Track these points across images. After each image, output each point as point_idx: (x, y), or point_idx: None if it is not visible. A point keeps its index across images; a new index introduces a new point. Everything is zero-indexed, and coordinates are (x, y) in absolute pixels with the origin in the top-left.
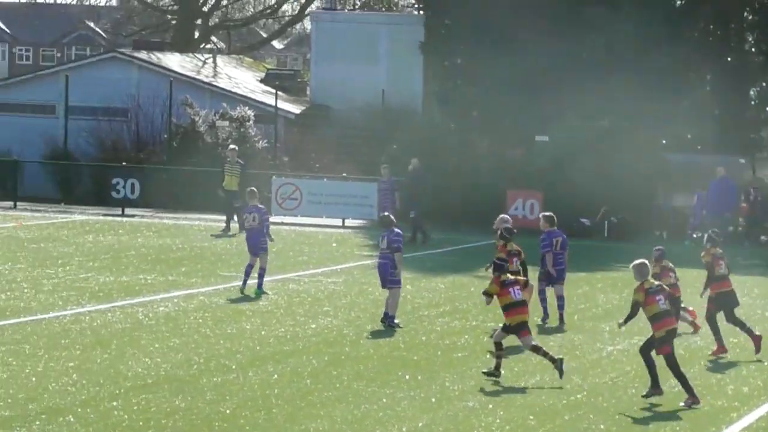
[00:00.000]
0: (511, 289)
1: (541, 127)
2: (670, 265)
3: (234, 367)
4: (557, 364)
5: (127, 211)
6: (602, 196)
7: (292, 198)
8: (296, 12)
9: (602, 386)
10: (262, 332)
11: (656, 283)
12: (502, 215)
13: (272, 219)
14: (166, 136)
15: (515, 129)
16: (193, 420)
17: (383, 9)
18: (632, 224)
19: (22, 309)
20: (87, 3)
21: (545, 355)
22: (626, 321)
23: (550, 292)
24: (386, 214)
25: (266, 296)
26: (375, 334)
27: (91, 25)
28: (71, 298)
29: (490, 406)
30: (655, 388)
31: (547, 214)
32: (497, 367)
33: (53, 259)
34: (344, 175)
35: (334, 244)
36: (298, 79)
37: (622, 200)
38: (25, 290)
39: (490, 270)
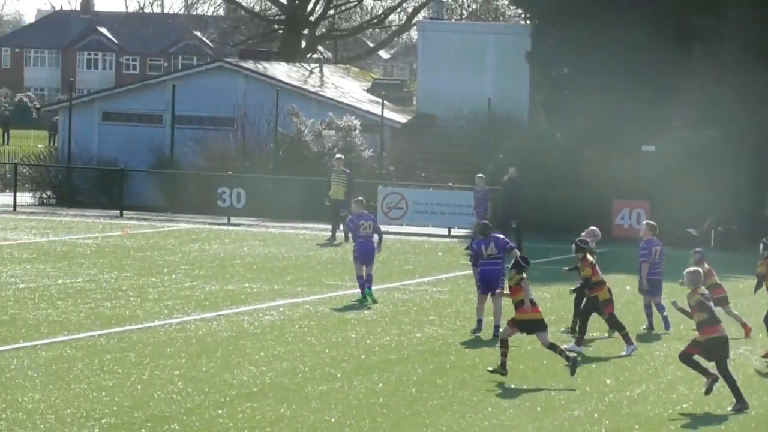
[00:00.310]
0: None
1: (647, 136)
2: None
3: (339, 375)
4: (499, 369)
5: (233, 220)
6: (709, 206)
7: (397, 207)
8: (403, 22)
9: (708, 396)
10: (367, 341)
11: (706, 291)
12: (591, 227)
13: None
14: (272, 145)
15: (621, 138)
16: (298, 428)
17: (490, 19)
18: (739, 234)
19: (128, 317)
20: (194, 13)
21: (504, 354)
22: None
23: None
24: (486, 221)
25: (372, 305)
26: (480, 343)
27: (198, 34)
28: (177, 306)
29: (596, 415)
30: (741, 402)
31: (650, 222)
32: (503, 365)
33: (159, 267)
34: (450, 184)
35: (439, 254)
36: (405, 89)
37: (729, 210)
38: (131, 299)
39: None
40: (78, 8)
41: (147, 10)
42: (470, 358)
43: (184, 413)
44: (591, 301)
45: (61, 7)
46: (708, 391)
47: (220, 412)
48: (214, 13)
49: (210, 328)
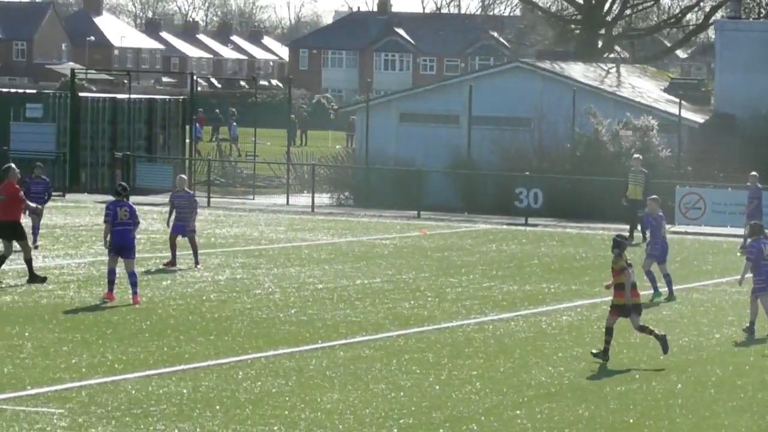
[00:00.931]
0: (630, 270)
1: None
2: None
3: (637, 376)
4: (601, 355)
5: (530, 220)
6: None
7: (695, 207)
8: (700, 21)
9: None
10: None
11: None
12: None
13: (676, 228)
14: (569, 145)
15: None
16: (596, 429)
17: None
18: None
19: (426, 318)
20: (491, 13)
21: (608, 342)
22: None
23: None
24: (756, 222)
25: (669, 305)
26: None
27: (495, 35)
28: (474, 306)
29: None
30: None
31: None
32: (605, 351)
33: (457, 267)
34: (748, 184)
35: (738, 254)
36: (702, 89)
37: None
38: (429, 299)
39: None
40: (375, 9)
41: (444, 10)
42: None
43: (481, 413)
44: None
45: (359, 8)
46: None
47: (518, 412)
48: (511, 14)
49: (508, 328)
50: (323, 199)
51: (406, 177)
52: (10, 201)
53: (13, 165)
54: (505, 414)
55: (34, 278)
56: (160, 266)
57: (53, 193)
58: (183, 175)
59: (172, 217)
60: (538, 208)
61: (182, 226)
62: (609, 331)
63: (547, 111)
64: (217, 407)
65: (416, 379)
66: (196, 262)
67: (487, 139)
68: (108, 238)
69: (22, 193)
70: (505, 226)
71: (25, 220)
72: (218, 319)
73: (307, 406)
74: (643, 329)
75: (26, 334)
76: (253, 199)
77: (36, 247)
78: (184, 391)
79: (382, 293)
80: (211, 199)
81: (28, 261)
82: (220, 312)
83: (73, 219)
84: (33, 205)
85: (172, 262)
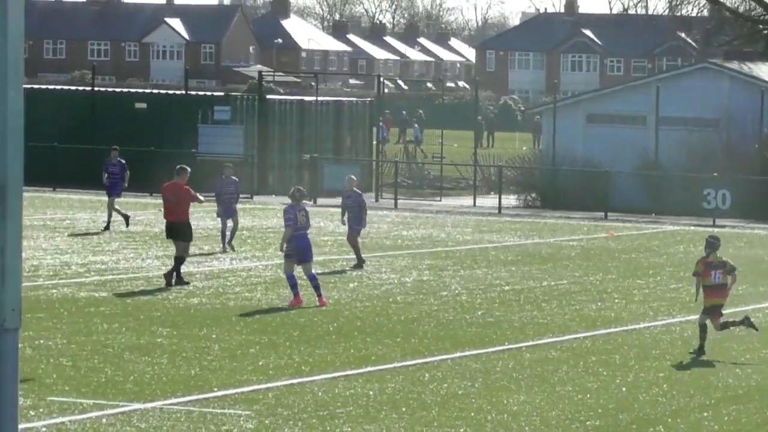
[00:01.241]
0: (713, 272)
1: None
2: None
3: None
4: (746, 321)
5: (718, 221)
6: None
7: None
8: None
9: None
10: None
11: None
12: None
13: None
14: (757, 146)
15: None
16: None
17: None
18: None
19: (613, 319)
20: (678, 14)
21: (733, 323)
22: None
23: None
24: None
25: None
26: None
27: (682, 35)
28: (662, 308)
29: None
30: None
31: None
32: (701, 347)
33: (644, 269)
34: None
35: None
36: None
37: None
38: (616, 300)
39: None
40: (562, 10)
41: (631, 11)
42: None
43: (669, 416)
44: None
45: (545, 9)
46: None
47: (705, 414)
48: (698, 14)
49: (695, 330)
50: (510, 200)
51: (594, 178)
52: (179, 202)
53: (186, 166)
54: (692, 416)
55: (171, 277)
56: (347, 268)
57: (241, 195)
58: (352, 176)
59: (345, 217)
60: (726, 209)
61: (353, 227)
62: (725, 324)
63: (735, 112)
64: (403, 409)
65: (603, 380)
66: (358, 263)
67: (674, 139)
68: (286, 244)
69: (192, 192)
70: (692, 228)
71: (213, 222)
72: (405, 321)
73: (494, 408)
74: (724, 326)
75: (213, 336)
76: (440, 200)
77: (225, 251)
78: (371, 392)
79: (569, 295)
80: (399, 201)
81: (178, 260)
82: (406, 314)
83: (261, 221)
84: (201, 198)
85: (358, 264)
